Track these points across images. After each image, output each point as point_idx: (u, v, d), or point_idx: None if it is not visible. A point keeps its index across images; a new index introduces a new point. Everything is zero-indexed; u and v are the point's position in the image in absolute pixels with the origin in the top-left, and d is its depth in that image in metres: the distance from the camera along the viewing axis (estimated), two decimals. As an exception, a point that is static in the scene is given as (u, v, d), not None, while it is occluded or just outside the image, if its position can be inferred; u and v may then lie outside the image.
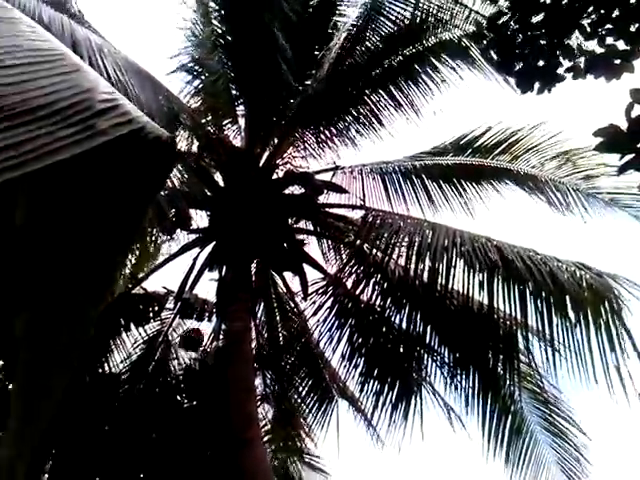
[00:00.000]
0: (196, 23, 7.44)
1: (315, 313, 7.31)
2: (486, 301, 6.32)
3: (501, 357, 6.74)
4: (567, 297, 5.77)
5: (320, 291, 7.45)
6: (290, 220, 7.72)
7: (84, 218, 1.73)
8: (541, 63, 3.09)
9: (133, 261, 7.64)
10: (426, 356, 7.34)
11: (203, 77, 7.32)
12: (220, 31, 7.31)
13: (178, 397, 7.27)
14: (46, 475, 6.26)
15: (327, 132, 7.98)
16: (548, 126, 7.42)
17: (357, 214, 7.55)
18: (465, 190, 7.79)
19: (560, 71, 3.13)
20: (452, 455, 12.42)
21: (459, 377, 7.08)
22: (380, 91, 7.82)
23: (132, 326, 7.39)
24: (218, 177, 7.47)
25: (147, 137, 1.36)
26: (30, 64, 1.50)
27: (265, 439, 7.23)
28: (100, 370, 6.94)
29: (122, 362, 7.25)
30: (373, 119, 7.97)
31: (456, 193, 7.78)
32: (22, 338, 2.14)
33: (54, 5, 5.57)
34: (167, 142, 1.46)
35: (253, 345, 7.70)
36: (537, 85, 3.22)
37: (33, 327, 2.11)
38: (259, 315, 7.83)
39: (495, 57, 3.40)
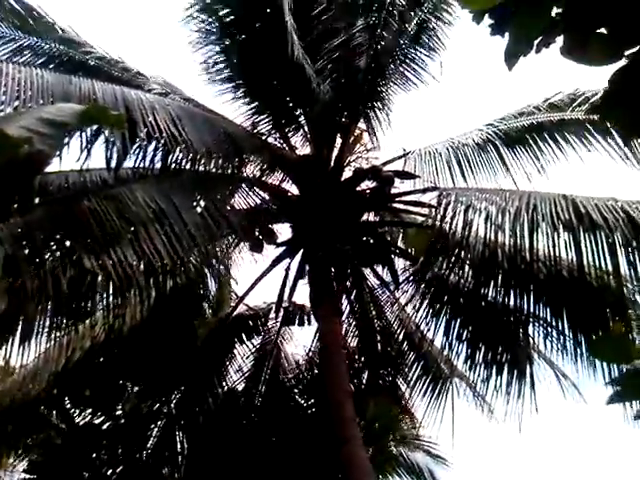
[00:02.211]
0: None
1: (408, 302, 7.43)
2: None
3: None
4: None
5: (410, 279, 7.54)
6: (368, 214, 7.88)
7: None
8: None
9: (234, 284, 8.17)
10: (531, 326, 7.15)
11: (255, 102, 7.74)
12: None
13: (296, 398, 7.74)
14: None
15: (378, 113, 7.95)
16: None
17: (432, 196, 7.50)
18: (542, 151, 7.46)
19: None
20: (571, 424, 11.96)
21: (568, 342, 6.83)
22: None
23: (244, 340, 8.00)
24: (292, 188, 7.82)
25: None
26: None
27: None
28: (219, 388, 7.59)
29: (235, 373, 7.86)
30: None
31: (532, 156, 7.49)
32: None
33: (108, 78, 6.29)
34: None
35: (356, 341, 7.99)
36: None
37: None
38: (357, 310, 8.06)
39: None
